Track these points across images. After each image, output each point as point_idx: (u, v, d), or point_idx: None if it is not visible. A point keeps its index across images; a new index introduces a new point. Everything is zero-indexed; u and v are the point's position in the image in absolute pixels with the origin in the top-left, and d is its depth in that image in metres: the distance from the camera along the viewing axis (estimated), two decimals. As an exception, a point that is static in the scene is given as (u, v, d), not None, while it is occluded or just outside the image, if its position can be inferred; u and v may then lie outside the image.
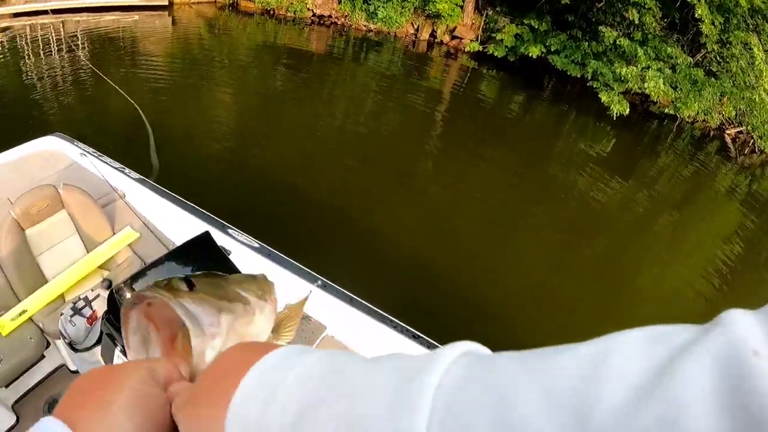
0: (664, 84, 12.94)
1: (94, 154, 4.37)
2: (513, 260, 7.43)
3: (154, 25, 13.06)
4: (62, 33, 11.59)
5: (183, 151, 7.62)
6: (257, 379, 0.40)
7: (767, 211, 16.77)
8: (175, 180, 5.98)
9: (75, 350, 2.29)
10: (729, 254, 11.20)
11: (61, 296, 3.04)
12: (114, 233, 3.49)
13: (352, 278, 4.62)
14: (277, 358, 0.41)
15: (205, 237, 2.07)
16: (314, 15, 15.66)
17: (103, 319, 1.84)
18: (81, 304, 2.40)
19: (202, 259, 2.00)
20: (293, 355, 0.41)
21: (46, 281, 3.04)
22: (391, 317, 3.16)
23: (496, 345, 0.39)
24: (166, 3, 13.74)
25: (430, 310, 5.52)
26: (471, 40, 16.31)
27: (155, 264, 1.82)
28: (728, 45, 13.89)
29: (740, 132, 22.92)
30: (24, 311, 2.77)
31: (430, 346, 3.01)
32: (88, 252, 3.33)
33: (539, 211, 9.39)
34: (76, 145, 4.45)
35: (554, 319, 6.30)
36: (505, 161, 10.91)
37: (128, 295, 0.62)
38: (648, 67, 13.11)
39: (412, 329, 3.12)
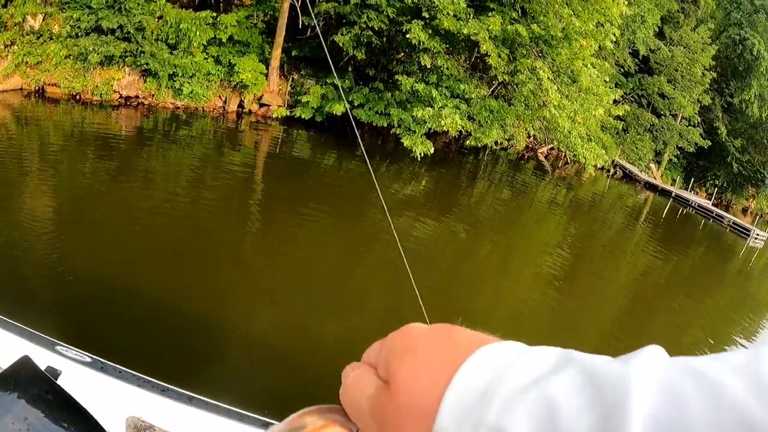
0: (460, 118, 13.65)
1: None
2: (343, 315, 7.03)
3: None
4: None
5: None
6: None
7: (588, 213, 18.43)
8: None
9: None
10: (558, 262, 11.82)
11: None
12: None
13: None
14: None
15: (24, 363, 2.13)
16: (121, 96, 14.97)
17: None
18: None
19: (27, 387, 2.08)
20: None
21: None
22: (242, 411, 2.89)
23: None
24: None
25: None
26: (279, 106, 16.27)
27: None
28: (516, 73, 15.14)
29: (551, 148, 25.31)
30: None
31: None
32: None
33: (370, 259, 9.26)
34: None
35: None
36: (327, 218, 10.73)
37: None
38: (444, 106, 13.81)
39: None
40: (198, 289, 6.98)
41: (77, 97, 14.14)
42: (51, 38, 13.86)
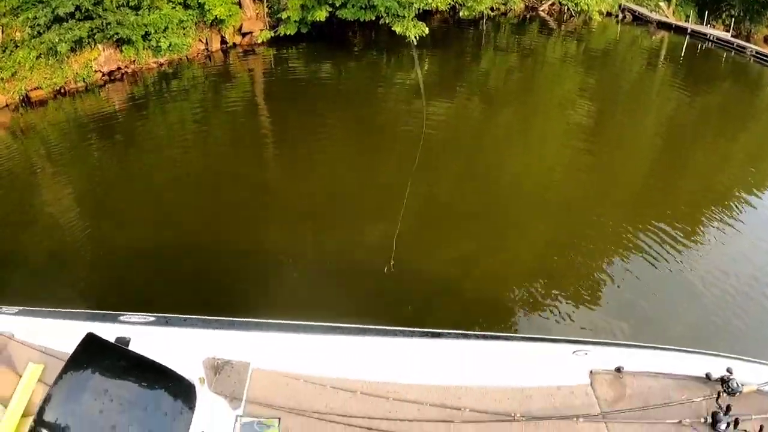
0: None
1: None
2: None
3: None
4: None
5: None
6: None
7: (604, 62, 17.31)
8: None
9: None
10: (583, 118, 11.32)
11: None
12: (20, 377, 3.16)
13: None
14: None
15: (90, 339, 2.35)
16: (103, 74, 14.59)
17: None
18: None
19: (99, 360, 2.33)
20: None
21: None
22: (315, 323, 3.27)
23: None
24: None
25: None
26: (261, 30, 15.43)
27: (52, 393, 2.17)
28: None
29: (552, 4, 23.42)
30: None
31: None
32: (5, 410, 3.01)
33: (392, 157, 9.21)
34: None
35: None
36: (339, 126, 10.51)
37: None
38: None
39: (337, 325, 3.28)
40: (236, 226, 7.11)
41: (62, 91, 13.87)
42: (16, 46, 13.36)
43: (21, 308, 3.79)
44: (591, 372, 3.04)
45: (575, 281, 6.16)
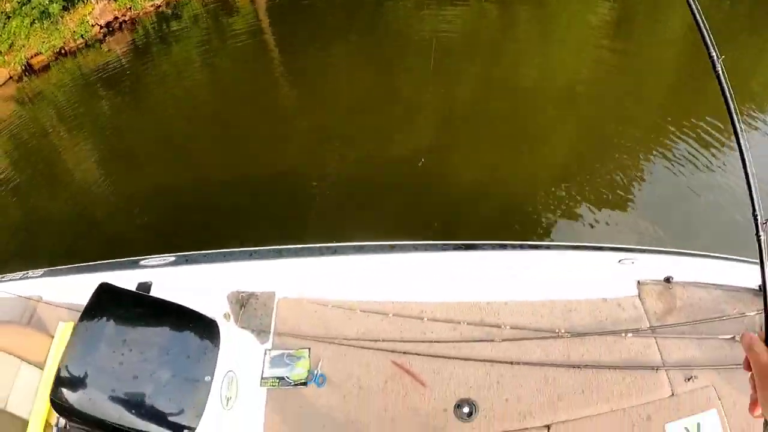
0: None
1: None
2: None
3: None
4: None
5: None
6: None
7: None
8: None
9: None
10: (607, 11, 10.34)
11: (48, 424, 2.79)
12: (53, 337, 3.22)
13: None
14: None
15: (102, 289, 2.38)
16: (101, 27, 14.25)
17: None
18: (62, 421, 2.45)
19: (114, 310, 2.35)
20: None
21: (26, 421, 2.77)
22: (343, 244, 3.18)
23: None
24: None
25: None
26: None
27: (68, 350, 2.23)
28: None
29: None
30: None
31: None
32: (42, 370, 3.09)
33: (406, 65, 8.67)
34: None
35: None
36: (350, 39, 10.07)
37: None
38: None
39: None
40: (254, 157, 6.99)
41: (62, 51, 13.62)
42: (8, 17, 13.16)
43: (46, 269, 3.83)
44: (638, 283, 2.78)
45: (609, 184, 5.76)
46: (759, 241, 1.21)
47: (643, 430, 2.32)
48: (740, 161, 1.28)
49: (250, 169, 6.79)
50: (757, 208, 1.25)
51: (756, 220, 1.23)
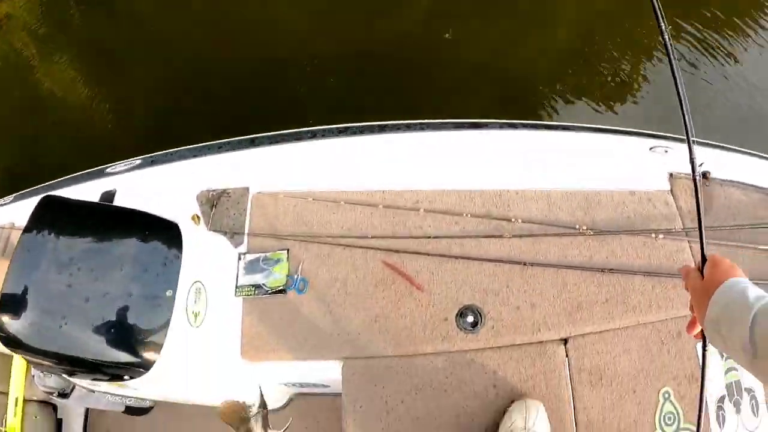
0: None
1: None
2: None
3: None
4: None
5: None
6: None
7: None
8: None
9: (65, 397, 2.43)
10: None
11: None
12: None
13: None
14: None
15: (44, 203, 2.06)
16: None
17: None
18: (41, 357, 2.42)
19: (59, 226, 1.99)
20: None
21: (11, 357, 2.69)
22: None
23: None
24: None
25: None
26: None
27: (8, 278, 1.87)
28: None
29: None
30: (16, 399, 2.60)
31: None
32: None
33: None
34: None
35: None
36: None
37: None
38: None
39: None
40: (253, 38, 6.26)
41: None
42: None
43: (16, 194, 3.57)
44: (671, 176, 2.36)
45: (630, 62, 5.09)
46: None
47: (674, 348, 2.03)
48: None
49: (248, 50, 6.09)
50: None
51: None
